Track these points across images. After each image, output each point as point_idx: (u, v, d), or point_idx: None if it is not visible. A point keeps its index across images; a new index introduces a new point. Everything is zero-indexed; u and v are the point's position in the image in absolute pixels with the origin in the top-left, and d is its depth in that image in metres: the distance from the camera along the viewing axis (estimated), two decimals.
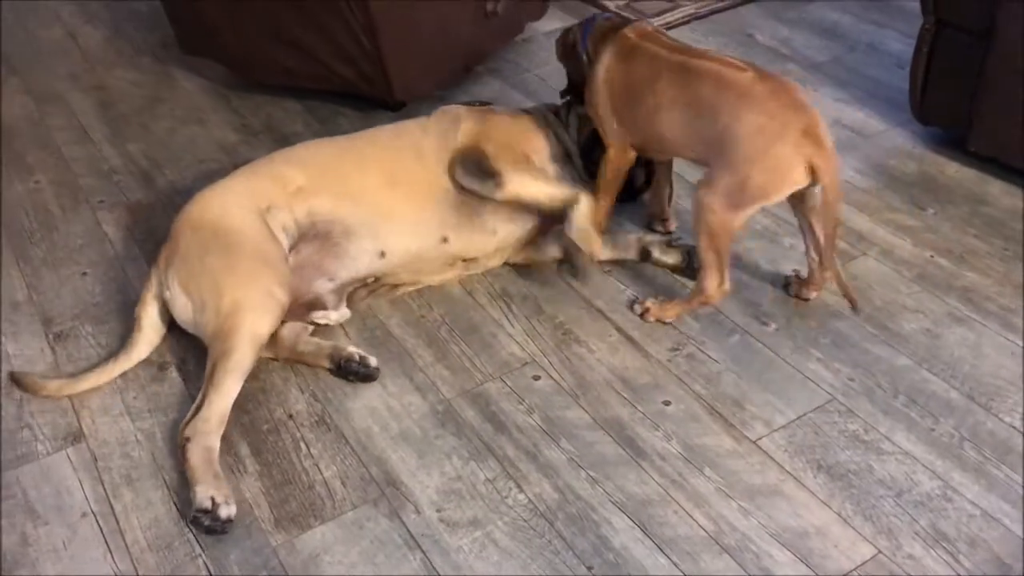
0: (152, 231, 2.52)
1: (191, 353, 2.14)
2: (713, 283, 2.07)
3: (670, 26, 3.48)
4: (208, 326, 2.00)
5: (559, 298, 2.27)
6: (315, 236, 2.14)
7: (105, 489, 1.87)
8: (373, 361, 2.07)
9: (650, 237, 2.36)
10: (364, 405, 2.02)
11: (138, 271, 2.39)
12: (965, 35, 2.54)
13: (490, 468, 1.87)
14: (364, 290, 2.24)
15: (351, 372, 2.05)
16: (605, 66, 2.15)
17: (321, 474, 1.88)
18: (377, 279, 2.23)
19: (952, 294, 2.24)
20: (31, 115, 3.12)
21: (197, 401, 1.92)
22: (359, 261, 2.17)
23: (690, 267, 2.27)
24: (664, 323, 2.18)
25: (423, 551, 1.72)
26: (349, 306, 2.22)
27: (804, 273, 2.23)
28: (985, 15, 2.45)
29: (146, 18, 3.68)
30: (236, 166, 2.37)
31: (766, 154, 1.91)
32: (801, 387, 2.02)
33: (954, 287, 2.26)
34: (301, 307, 2.13)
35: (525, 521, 1.77)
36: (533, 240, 2.35)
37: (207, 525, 1.75)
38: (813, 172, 1.92)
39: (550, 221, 2.28)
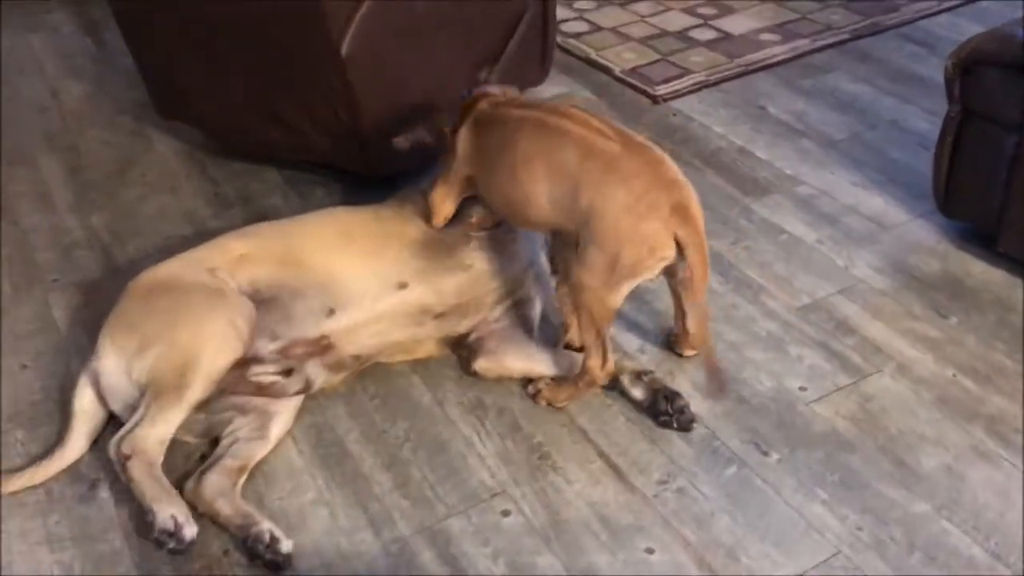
0: (103, 315, 2.31)
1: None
2: (596, 363, 1.94)
3: (677, 94, 3.27)
4: (153, 368, 1.87)
5: (539, 413, 2.05)
6: (263, 303, 2.00)
7: None
8: (286, 547, 1.73)
9: (628, 362, 2.09)
10: (311, 541, 1.80)
11: (83, 362, 2.19)
12: (994, 126, 2.32)
13: None
14: (320, 361, 2.02)
15: (256, 555, 1.73)
16: (462, 139, 2.05)
17: None
18: (330, 343, 2.02)
19: (977, 423, 2.00)
20: None
21: (135, 418, 1.82)
22: (305, 321, 2.00)
23: (653, 409, 2.00)
24: (556, 408, 2.04)
25: None
26: (305, 390, 2.03)
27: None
28: (1017, 107, 2.24)
29: (130, 74, 3.47)
30: (203, 242, 2.18)
31: (635, 232, 1.80)
32: (804, 536, 1.78)
33: (979, 414, 2.02)
34: (241, 365, 1.95)
35: None
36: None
37: (172, 548, 1.71)
38: (680, 247, 1.83)
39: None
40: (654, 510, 1.84)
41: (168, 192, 2.85)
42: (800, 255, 2.50)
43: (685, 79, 3.36)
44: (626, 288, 1.87)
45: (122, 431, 1.84)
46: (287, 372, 2.00)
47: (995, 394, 2.06)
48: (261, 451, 1.92)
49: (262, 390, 1.99)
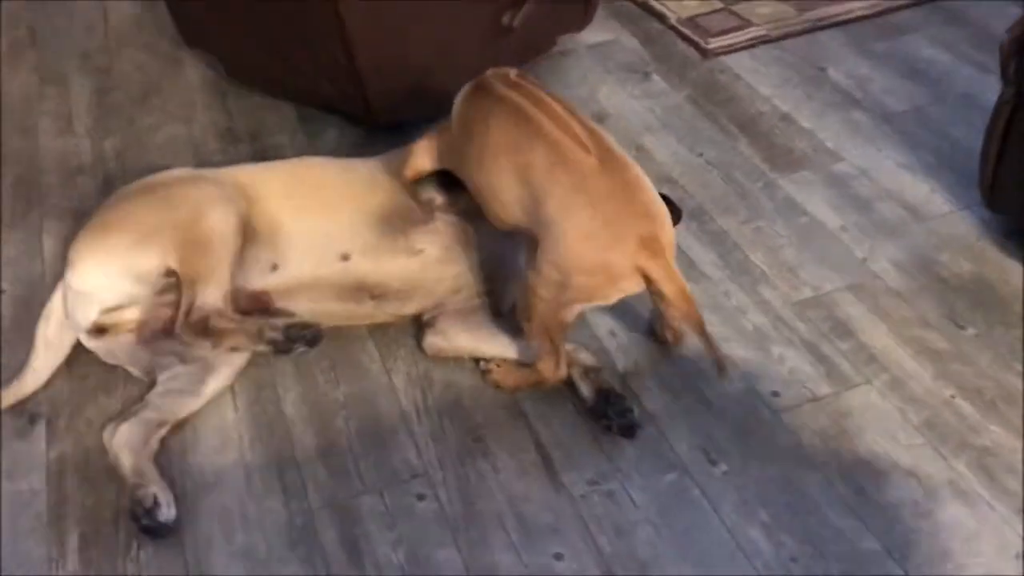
0: None
1: (68, 408, 1.94)
2: (548, 367, 1.82)
3: (731, 49, 3.02)
4: (170, 249, 1.87)
5: (485, 393, 1.94)
6: None
7: None
8: (165, 515, 1.68)
9: (583, 355, 1.93)
10: (218, 502, 1.76)
11: None
12: None
13: None
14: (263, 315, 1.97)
15: (134, 517, 1.69)
16: (459, 99, 1.92)
17: None
18: (269, 299, 1.97)
19: (963, 455, 1.78)
20: (29, 97, 2.98)
21: (184, 306, 1.84)
22: (251, 272, 1.96)
23: (595, 411, 1.84)
24: (500, 389, 1.93)
25: None
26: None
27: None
28: None
29: None
30: None
31: (594, 262, 1.66)
32: (728, 560, 1.63)
33: (969, 445, 1.80)
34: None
35: None
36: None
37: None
38: (649, 282, 1.68)
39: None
40: (576, 512, 1.72)
41: (182, 122, 2.82)
42: (816, 242, 2.27)
43: (743, 32, 3.09)
44: (578, 308, 1.74)
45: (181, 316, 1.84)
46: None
47: (995, 423, 1.83)
48: (188, 407, 1.88)
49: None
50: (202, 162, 2.61)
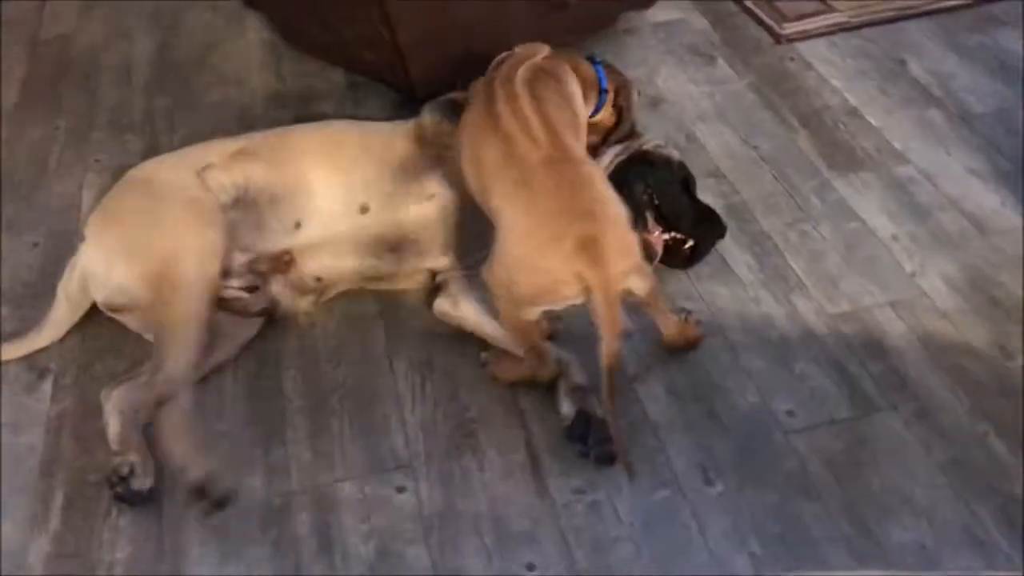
0: None
1: (76, 366, 1.97)
2: (532, 363, 1.76)
3: (806, 35, 2.84)
4: (143, 277, 1.84)
5: (484, 386, 1.88)
6: (244, 204, 1.96)
7: None
8: (138, 484, 1.67)
9: (575, 370, 1.81)
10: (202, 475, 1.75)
11: None
12: None
13: None
14: (283, 280, 1.98)
15: (109, 483, 1.69)
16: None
17: (113, 555, 1.65)
18: (291, 258, 1.96)
19: (988, 500, 1.63)
20: (96, 49, 3.03)
21: (148, 367, 1.79)
22: (275, 232, 1.96)
23: (572, 432, 1.73)
24: (497, 381, 1.86)
25: None
26: (271, 312, 1.99)
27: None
28: None
29: None
30: None
31: (532, 263, 1.61)
32: None
33: (996, 491, 1.64)
34: None
35: None
36: None
37: (208, 502, 1.66)
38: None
39: None
40: (556, 521, 1.64)
41: (235, 83, 2.82)
42: (863, 251, 2.12)
43: (823, 18, 2.90)
44: (535, 309, 1.66)
45: (142, 379, 1.80)
46: (252, 288, 1.95)
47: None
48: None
49: (225, 304, 1.94)
50: (246, 127, 2.60)
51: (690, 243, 2.03)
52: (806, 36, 2.85)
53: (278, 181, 1.97)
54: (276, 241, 1.95)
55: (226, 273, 1.92)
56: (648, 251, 1.91)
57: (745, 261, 2.11)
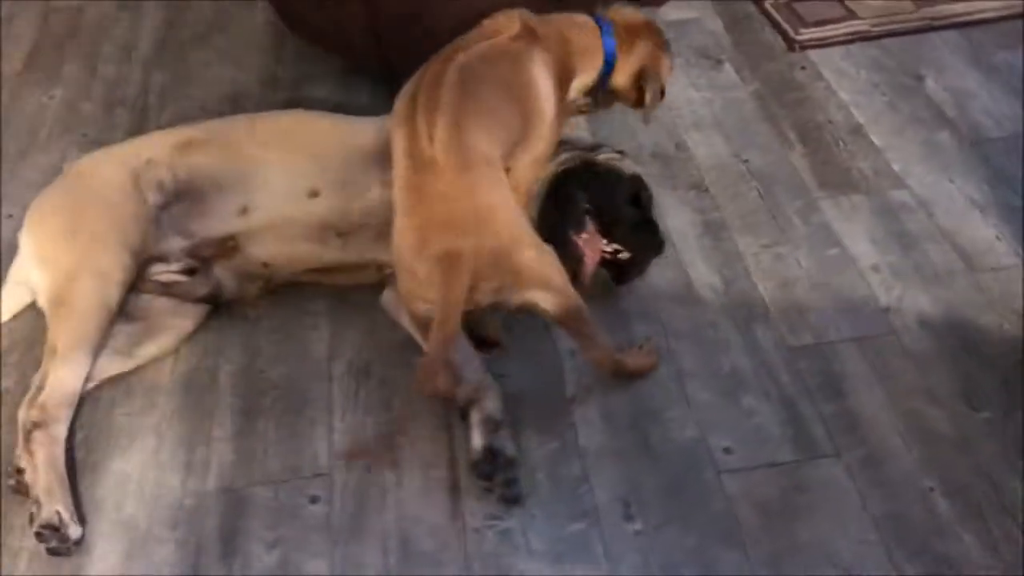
0: None
1: (24, 346, 1.97)
2: (425, 372, 1.58)
3: (822, 43, 2.70)
4: (47, 289, 1.84)
5: (420, 400, 1.81)
6: (188, 195, 1.93)
7: None
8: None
9: (491, 401, 1.72)
10: (122, 468, 1.74)
11: None
12: None
13: None
14: (227, 265, 1.95)
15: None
16: None
17: (22, 542, 1.64)
18: (235, 242, 1.93)
19: (918, 560, 1.52)
20: (103, 21, 3.04)
21: (38, 379, 1.75)
22: (220, 219, 1.93)
23: (479, 469, 1.65)
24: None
25: None
26: (215, 298, 1.97)
27: None
28: None
29: None
30: None
31: (403, 263, 1.62)
32: None
33: (929, 550, 1.54)
34: (144, 264, 1.91)
35: None
36: None
37: (53, 546, 1.58)
38: None
39: None
40: (463, 546, 1.59)
41: (233, 64, 2.80)
42: (839, 281, 2.01)
43: (842, 25, 2.76)
44: (417, 305, 1.62)
45: (30, 393, 1.75)
46: (190, 271, 1.92)
47: (970, 531, 1.56)
48: (116, 368, 1.87)
49: (168, 289, 1.93)
50: (237, 108, 2.59)
51: (624, 254, 1.94)
52: (822, 43, 2.71)
53: (227, 168, 1.93)
54: (220, 227, 1.91)
55: (163, 259, 1.90)
56: (574, 253, 1.83)
57: (711, 283, 2.02)
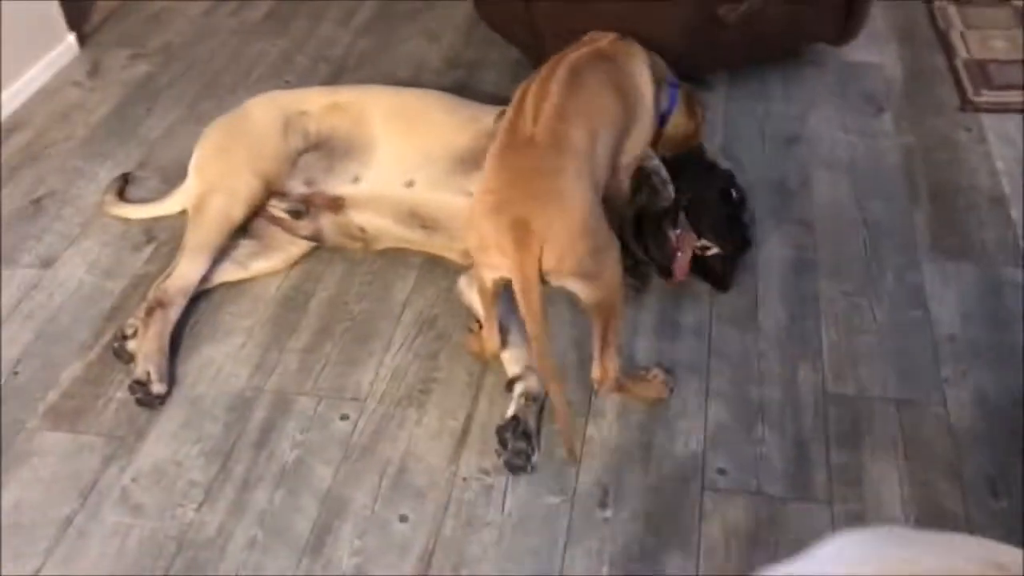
0: None
1: (178, 238, 2.33)
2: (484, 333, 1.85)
3: (999, 108, 2.60)
4: (193, 195, 2.21)
5: (464, 357, 2.00)
6: (322, 149, 2.20)
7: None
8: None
9: (532, 379, 1.87)
10: (210, 354, 2.04)
11: None
12: None
13: (204, 472, 1.81)
14: (332, 218, 2.19)
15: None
16: None
17: (111, 393, 1.98)
18: (343, 203, 2.17)
19: None
20: None
21: (170, 268, 2.12)
22: (338, 179, 2.17)
23: (499, 432, 1.78)
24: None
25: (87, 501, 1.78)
26: (316, 239, 2.24)
27: None
28: None
29: None
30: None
31: (476, 221, 1.70)
32: None
33: None
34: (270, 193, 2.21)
35: (172, 538, 1.71)
36: None
37: (139, 397, 1.94)
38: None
39: None
40: (445, 490, 1.75)
41: (428, 39, 3.08)
42: (908, 342, 1.97)
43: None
44: (484, 272, 1.73)
45: (161, 278, 2.09)
46: (296, 214, 2.20)
47: None
48: (229, 276, 2.19)
49: (276, 221, 2.23)
50: (416, 79, 2.86)
51: (714, 251, 2.01)
52: (997, 108, 2.59)
53: (354, 136, 2.18)
54: (336, 186, 2.16)
55: (281, 196, 2.18)
56: (668, 248, 2.00)
57: (776, 316, 2.04)
